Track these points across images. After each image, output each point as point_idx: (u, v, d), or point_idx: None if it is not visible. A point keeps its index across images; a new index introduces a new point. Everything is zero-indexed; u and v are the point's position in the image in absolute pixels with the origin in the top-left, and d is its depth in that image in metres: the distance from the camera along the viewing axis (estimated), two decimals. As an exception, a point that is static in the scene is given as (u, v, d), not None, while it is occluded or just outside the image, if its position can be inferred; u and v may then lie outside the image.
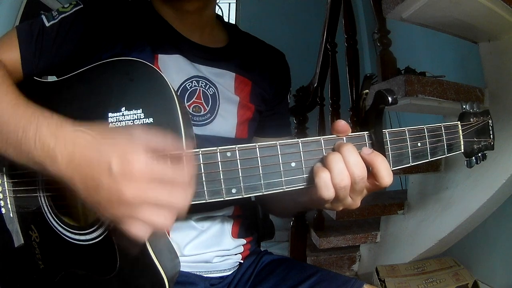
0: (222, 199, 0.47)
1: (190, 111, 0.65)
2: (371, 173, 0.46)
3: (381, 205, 1.58)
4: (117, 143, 0.41)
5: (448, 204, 1.38)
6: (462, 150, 0.56)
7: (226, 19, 0.83)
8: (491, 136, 0.58)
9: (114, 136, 0.42)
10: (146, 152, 0.40)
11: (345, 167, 0.45)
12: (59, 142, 0.42)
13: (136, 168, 0.39)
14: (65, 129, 0.43)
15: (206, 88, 0.67)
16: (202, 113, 0.66)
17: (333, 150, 0.47)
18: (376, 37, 1.44)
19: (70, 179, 0.42)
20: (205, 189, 0.46)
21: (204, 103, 0.67)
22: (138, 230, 0.40)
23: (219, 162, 0.46)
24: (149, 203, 0.39)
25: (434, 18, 1.16)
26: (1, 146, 0.47)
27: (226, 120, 0.69)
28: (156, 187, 0.39)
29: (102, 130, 0.43)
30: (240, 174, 0.46)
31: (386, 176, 0.45)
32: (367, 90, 0.50)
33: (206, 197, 0.47)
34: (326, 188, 0.45)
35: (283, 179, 0.47)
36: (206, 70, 0.69)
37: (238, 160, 0.46)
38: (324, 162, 0.46)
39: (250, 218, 0.79)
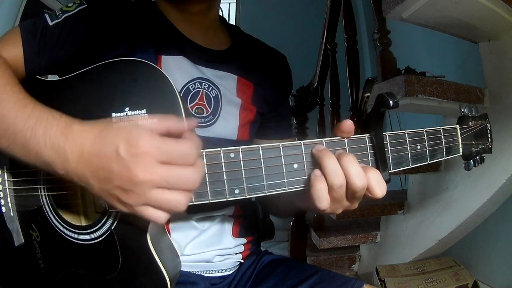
0: (225, 199, 0.47)
1: (193, 112, 0.65)
2: None
3: (381, 205, 1.58)
4: (122, 129, 0.41)
5: (448, 204, 1.38)
6: (461, 153, 0.57)
7: (226, 19, 0.83)
8: (489, 139, 0.60)
9: (118, 126, 0.42)
10: (151, 133, 0.40)
11: (342, 173, 0.45)
12: (69, 141, 0.42)
13: (142, 148, 0.39)
14: (73, 127, 0.44)
15: (209, 90, 0.67)
16: (204, 115, 0.67)
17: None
18: (376, 37, 1.44)
19: (81, 175, 0.42)
20: (208, 189, 0.47)
21: (206, 105, 0.67)
22: (155, 214, 0.41)
23: (223, 163, 0.47)
24: (161, 184, 0.40)
25: (434, 18, 1.16)
26: (8, 145, 0.47)
27: (228, 122, 0.69)
28: (166, 166, 0.40)
29: (108, 123, 0.44)
30: (243, 175, 0.47)
31: (377, 187, 0.46)
32: (368, 93, 0.51)
33: (210, 198, 0.47)
34: (321, 199, 0.45)
35: (285, 180, 0.48)
36: (209, 72, 0.69)
37: (242, 161, 0.47)
38: (322, 167, 0.46)
39: (250, 217, 0.79)
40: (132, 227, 0.50)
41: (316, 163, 0.47)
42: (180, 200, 0.41)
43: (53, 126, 0.44)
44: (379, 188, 0.46)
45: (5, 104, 0.47)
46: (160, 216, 0.42)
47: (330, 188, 0.45)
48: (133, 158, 0.39)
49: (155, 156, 0.39)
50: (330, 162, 0.45)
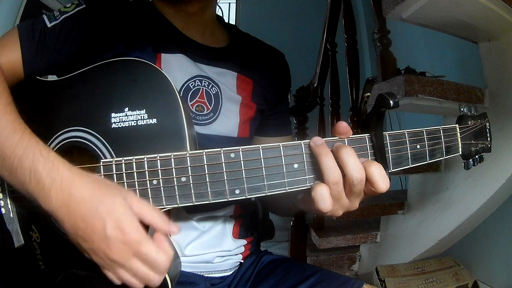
0: (226, 199, 0.47)
1: (193, 110, 0.66)
2: (367, 179, 0.47)
3: (381, 205, 1.58)
4: (114, 208, 0.43)
5: (448, 204, 1.38)
6: (460, 153, 0.57)
7: (226, 19, 0.83)
8: (488, 138, 0.60)
9: (111, 194, 0.44)
10: (139, 227, 0.44)
11: (336, 165, 0.46)
12: (55, 185, 0.44)
13: (128, 238, 0.43)
14: (61, 172, 0.45)
15: (209, 88, 0.67)
16: (205, 112, 0.67)
17: (332, 151, 0.47)
18: (376, 37, 1.44)
19: (60, 219, 0.45)
20: (209, 190, 0.47)
21: (207, 102, 0.67)
22: (114, 278, 0.46)
23: (223, 163, 0.47)
24: (128, 269, 0.44)
25: (434, 18, 1.16)
26: None
27: (229, 119, 0.69)
28: (139, 261, 0.44)
29: (98, 184, 0.45)
30: (244, 175, 0.47)
31: (380, 181, 0.46)
32: (368, 93, 0.51)
33: (210, 198, 0.47)
34: (322, 201, 0.46)
35: (285, 180, 0.48)
36: (209, 70, 0.69)
37: (242, 161, 0.47)
38: (319, 163, 0.46)
39: (250, 217, 0.79)
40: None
41: (316, 163, 0.47)
42: (136, 284, 0.45)
43: (39, 163, 0.45)
44: (383, 182, 0.46)
45: None
46: (117, 282, 0.46)
47: (327, 184, 0.46)
48: (116, 242, 0.43)
49: (134, 250, 0.43)
50: (326, 159, 0.46)
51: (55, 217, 0.45)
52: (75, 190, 0.44)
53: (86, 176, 0.45)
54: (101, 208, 0.43)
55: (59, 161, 0.45)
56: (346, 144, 0.49)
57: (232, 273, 0.73)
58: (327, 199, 0.46)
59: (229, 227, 0.72)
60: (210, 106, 0.67)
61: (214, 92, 0.68)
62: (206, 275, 0.69)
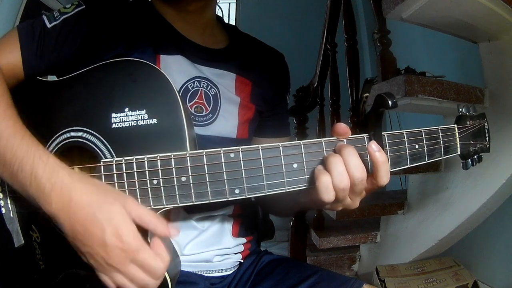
0: (225, 199, 0.47)
1: (192, 111, 0.66)
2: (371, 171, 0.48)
3: (381, 205, 1.58)
4: (113, 216, 0.44)
5: (448, 204, 1.38)
6: (459, 153, 0.58)
7: (226, 19, 0.83)
8: (487, 138, 0.60)
9: (110, 201, 0.45)
10: (138, 234, 0.45)
11: (345, 169, 0.46)
12: (55, 190, 0.44)
13: (126, 245, 0.43)
14: (61, 177, 0.45)
15: (208, 89, 0.68)
16: (204, 113, 0.67)
17: (334, 151, 0.48)
18: (376, 37, 1.44)
19: (59, 222, 0.45)
20: (208, 189, 0.47)
21: (206, 103, 0.67)
22: (109, 283, 0.46)
23: (223, 163, 0.47)
24: (125, 274, 0.45)
25: (434, 18, 1.16)
26: None
27: (228, 120, 0.69)
28: (135, 267, 0.45)
29: (98, 189, 0.46)
30: (243, 175, 0.47)
31: (384, 176, 0.48)
32: (367, 94, 0.51)
33: (210, 198, 0.47)
34: (326, 191, 0.46)
35: (285, 180, 0.48)
36: (208, 71, 0.69)
37: (242, 161, 0.47)
38: (324, 163, 0.47)
39: (250, 217, 0.79)
40: (132, 227, 0.50)
41: (315, 163, 0.47)
42: None
43: (39, 168, 0.45)
44: (385, 176, 0.48)
45: None
46: (112, 286, 0.46)
47: (334, 189, 0.47)
48: (114, 248, 0.43)
49: (131, 257, 0.44)
50: (335, 162, 0.47)
51: (55, 221, 0.45)
52: (74, 196, 0.44)
53: (86, 182, 0.46)
54: (100, 215, 0.44)
55: (59, 166, 0.46)
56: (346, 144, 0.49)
57: (232, 272, 0.73)
58: (330, 190, 0.46)
59: (228, 225, 0.72)
60: (209, 107, 0.67)
61: (213, 93, 0.68)
62: (205, 275, 0.69)
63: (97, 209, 0.44)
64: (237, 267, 0.74)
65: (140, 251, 0.44)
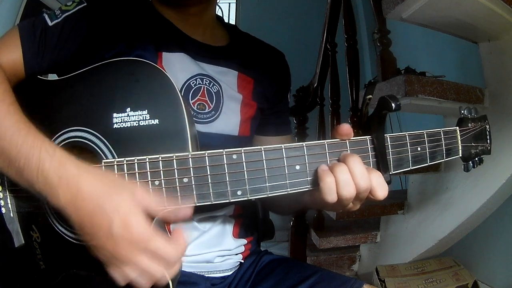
0: (227, 200, 0.47)
1: (195, 108, 0.66)
2: None
3: (381, 205, 1.58)
4: (121, 205, 0.43)
5: (448, 204, 1.38)
6: (460, 155, 0.58)
7: (226, 19, 0.83)
8: (488, 141, 0.61)
9: (118, 191, 0.44)
10: (145, 220, 0.43)
11: (350, 178, 0.46)
12: (62, 183, 0.43)
13: (134, 236, 0.42)
14: (68, 169, 0.44)
15: (210, 86, 0.68)
16: (206, 110, 0.67)
17: (339, 160, 0.48)
18: (376, 37, 1.44)
19: (67, 216, 0.44)
20: (211, 191, 0.47)
21: (208, 100, 0.67)
22: (119, 277, 0.43)
23: (225, 165, 0.47)
24: (135, 266, 0.43)
25: (434, 18, 1.16)
26: (3, 166, 0.47)
27: (230, 117, 0.69)
28: (147, 257, 0.43)
29: (105, 180, 0.45)
30: (246, 177, 0.47)
31: (379, 189, 0.48)
32: (370, 96, 0.51)
33: (212, 199, 0.47)
34: (330, 192, 0.46)
35: (287, 181, 0.48)
36: (210, 68, 0.69)
37: (244, 163, 0.47)
38: (335, 177, 0.47)
39: (250, 217, 0.79)
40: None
41: (317, 164, 0.48)
42: (144, 282, 0.43)
43: (46, 162, 0.44)
44: (381, 190, 0.47)
45: None
46: (122, 281, 0.44)
47: (340, 198, 0.47)
48: (123, 240, 0.42)
49: (141, 248, 0.42)
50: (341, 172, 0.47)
51: (63, 214, 0.44)
52: (82, 187, 0.43)
53: (94, 173, 0.45)
54: (107, 205, 0.42)
55: (66, 159, 0.45)
56: (348, 145, 0.49)
57: (232, 273, 0.73)
58: (333, 191, 0.47)
59: (229, 226, 0.72)
60: (212, 104, 0.67)
61: (215, 90, 0.68)
62: (206, 275, 0.69)
63: (104, 200, 0.43)
64: (237, 267, 0.74)
65: (151, 240, 0.42)
